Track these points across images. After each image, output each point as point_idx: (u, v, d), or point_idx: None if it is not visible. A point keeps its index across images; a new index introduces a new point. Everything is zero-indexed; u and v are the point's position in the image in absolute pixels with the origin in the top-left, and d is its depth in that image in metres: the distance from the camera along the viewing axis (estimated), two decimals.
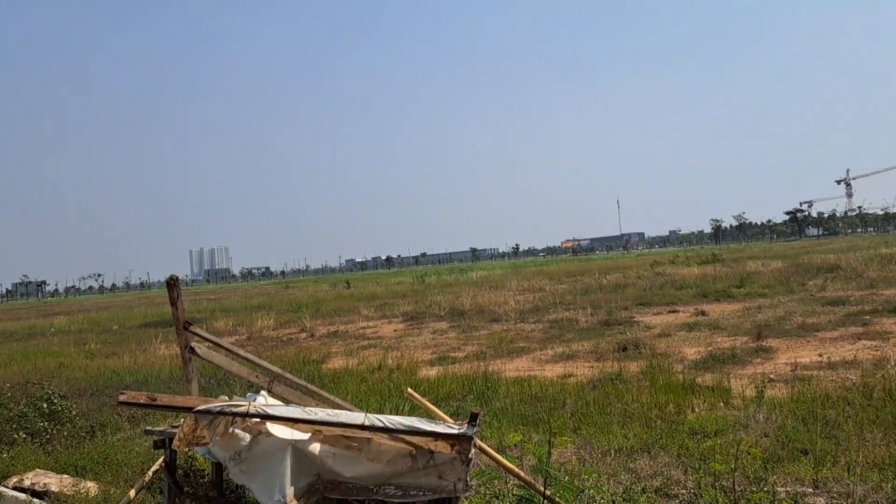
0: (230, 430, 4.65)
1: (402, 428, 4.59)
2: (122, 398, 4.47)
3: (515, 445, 8.03)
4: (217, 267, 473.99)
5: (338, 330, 26.52)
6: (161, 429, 5.42)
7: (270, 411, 4.54)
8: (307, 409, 4.57)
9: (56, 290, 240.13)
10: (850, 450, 7.38)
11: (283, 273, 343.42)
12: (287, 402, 5.11)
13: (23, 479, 8.09)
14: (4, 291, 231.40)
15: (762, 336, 15.75)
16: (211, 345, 5.54)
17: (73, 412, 10.74)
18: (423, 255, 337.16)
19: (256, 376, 5.45)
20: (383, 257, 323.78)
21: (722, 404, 9.86)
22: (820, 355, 13.20)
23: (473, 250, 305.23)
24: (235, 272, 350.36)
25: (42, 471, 8.39)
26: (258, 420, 4.61)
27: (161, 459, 5.56)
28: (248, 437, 4.66)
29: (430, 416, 5.16)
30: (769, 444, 7.77)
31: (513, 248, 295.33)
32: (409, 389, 5.16)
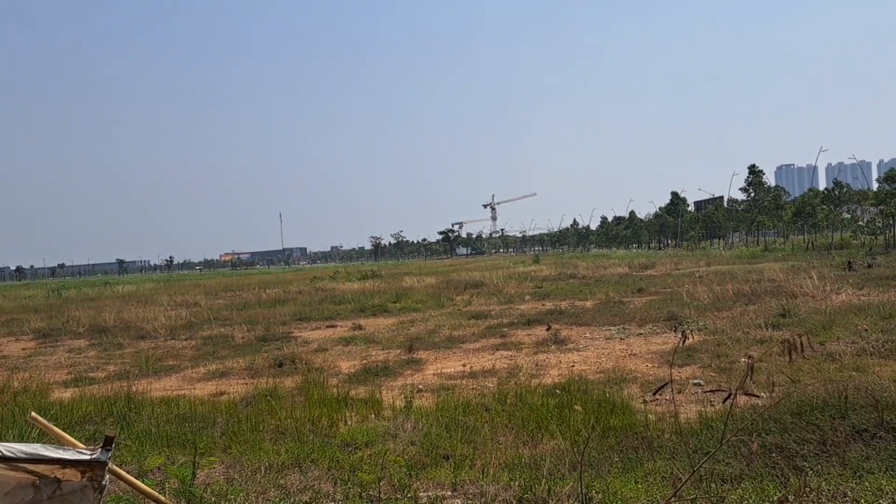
0: None
1: (22, 456, 3.89)
2: None
3: (158, 468, 7.39)
4: None
5: None
6: None
7: None
8: None
9: None
10: (485, 452, 7.88)
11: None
12: None
13: None
14: None
15: (413, 348, 16.53)
16: None
17: None
18: (62, 266, 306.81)
19: None
20: (12, 267, 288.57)
21: (373, 416, 10.07)
22: (464, 365, 14.16)
23: (121, 262, 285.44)
24: None
25: None
26: None
27: None
28: None
29: (60, 443, 4.47)
30: (415, 452, 8.04)
31: (166, 260, 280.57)
32: (34, 413, 4.40)
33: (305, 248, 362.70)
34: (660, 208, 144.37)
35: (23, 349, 22.45)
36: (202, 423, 10.16)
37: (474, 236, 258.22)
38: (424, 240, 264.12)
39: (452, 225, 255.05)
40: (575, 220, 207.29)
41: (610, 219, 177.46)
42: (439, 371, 13.73)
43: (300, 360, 15.82)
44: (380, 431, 9.05)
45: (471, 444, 8.31)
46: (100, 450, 4.20)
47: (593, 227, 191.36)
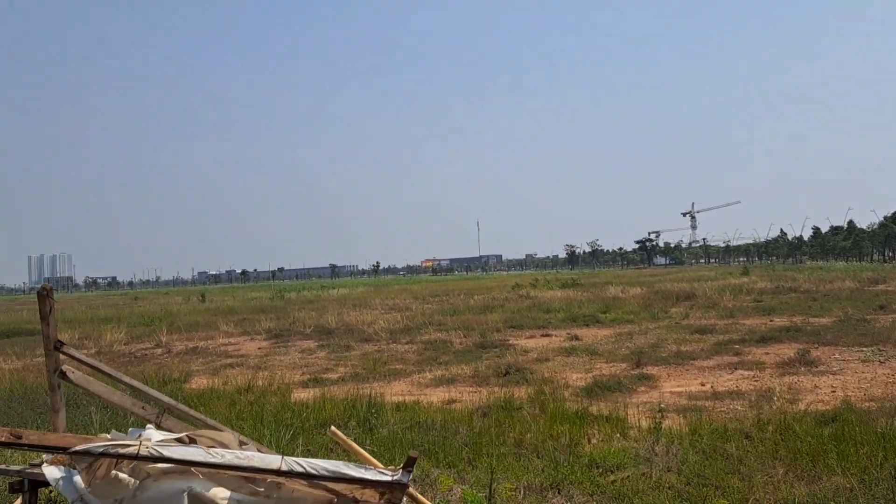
0: (112, 472, 3.77)
1: (325, 473, 3.87)
2: None
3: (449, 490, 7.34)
4: (59, 275, 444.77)
5: (197, 346, 24.95)
6: (18, 468, 4.39)
7: (166, 452, 3.69)
8: (211, 450, 3.75)
9: None
10: (756, 486, 7.20)
11: (130, 284, 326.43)
12: (189, 441, 4.24)
13: None
14: None
15: (641, 363, 15.85)
16: (89, 368, 4.58)
17: None
18: (281, 269, 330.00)
19: (143, 407, 4.52)
20: (238, 271, 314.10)
21: (619, 435, 9.59)
22: (702, 384, 13.34)
23: (333, 266, 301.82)
24: (79, 281, 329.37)
25: None
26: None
27: None
28: (133, 481, 3.79)
29: (355, 459, 4.44)
30: (675, 480, 7.50)
31: (373, 265, 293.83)
32: (333, 428, 4.43)
33: (501, 256, 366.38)
34: (885, 217, 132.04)
35: (258, 348, 24.01)
36: (442, 432, 10.15)
37: (672, 245, 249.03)
38: (620, 248, 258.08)
39: (649, 234, 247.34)
40: (783, 231, 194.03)
41: (825, 229, 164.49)
42: (676, 389, 13.00)
43: (525, 370, 15.64)
44: (629, 453, 8.57)
45: (737, 475, 7.64)
46: (401, 471, 4.10)
47: (805, 236, 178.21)
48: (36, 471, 4.26)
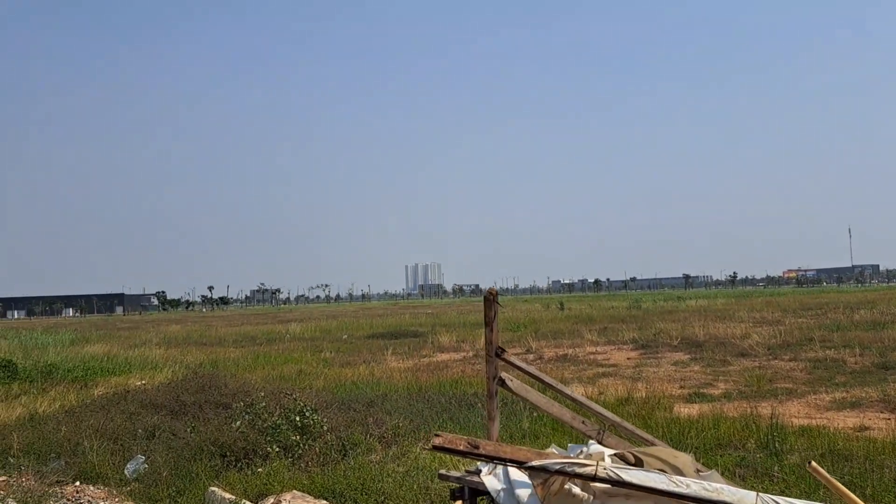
0: (566, 486, 3.62)
1: None
2: (436, 442, 3.56)
3: None
4: (430, 282, 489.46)
5: (566, 353, 25.34)
6: (458, 474, 4.49)
7: (624, 476, 3.43)
8: (674, 477, 3.41)
9: (288, 297, 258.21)
10: None
11: None
12: (636, 461, 3.99)
13: (280, 501, 7.62)
14: (244, 297, 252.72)
15: None
16: (525, 377, 4.56)
17: (324, 427, 10.34)
18: (633, 279, 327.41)
19: (583, 422, 4.37)
20: (591, 280, 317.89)
21: None
22: None
23: (686, 276, 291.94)
24: (447, 288, 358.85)
25: (299, 493, 7.89)
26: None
27: None
28: (588, 496, 3.61)
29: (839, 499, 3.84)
30: None
31: (729, 276, 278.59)
32: (813, 464, 3.87)
33: (878, 266, 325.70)
34: None
35: (627, 358, 23.69)
36: (865, 463, 8.89)
37: None
38: None
39: None
40: None
41: None
42: None
43: None
44: None
45: None
46: None
47: None
48: (474, 479, 4.29)
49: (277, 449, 9.56)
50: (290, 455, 9.51)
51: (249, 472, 8.79)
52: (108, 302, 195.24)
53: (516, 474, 4.13)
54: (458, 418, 12.13)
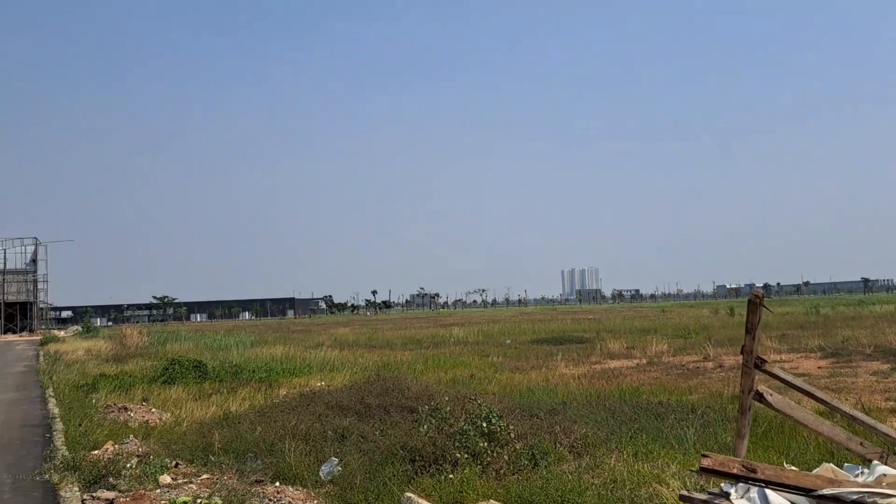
0: None
1: None
2: (705, 463, 3.14)
3: None
4: (587, 287, 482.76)
5: None
6: (702, 497, 4.03)
7: None
8: None
9: (446, 302, 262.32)
10: None
11: (653, 296, 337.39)
12: None
13: None
14: (404, 301, 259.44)
15: None
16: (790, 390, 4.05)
17: (511, 434, 10.07)
18: (806, 283, 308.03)
19: (861, 444, 3.80)
20: (759, 284, 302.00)
21: None
22: None
23: (865, 280, 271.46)
24: (606, 293, 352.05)
25: (496, 503, 7.65)
26: None
27: None
28: None
29: None
30: None
31: None
32: None
33: None
34: None
35: (818, 367, 22.02)
36: None
37: None
38: None
39: None
40: None
41: None
42: None
43: None
44: None
45: None
46: None
47: None
48: (718, 499, 3.82)
49: (466, 456, 9.37)
50: (478, 462, 9.30)
51: (442, 479, 8.64)
52: (280, 306, 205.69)
53: (777, 499, 3.64)
54: (648, 429, 11.52)
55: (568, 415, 12.70)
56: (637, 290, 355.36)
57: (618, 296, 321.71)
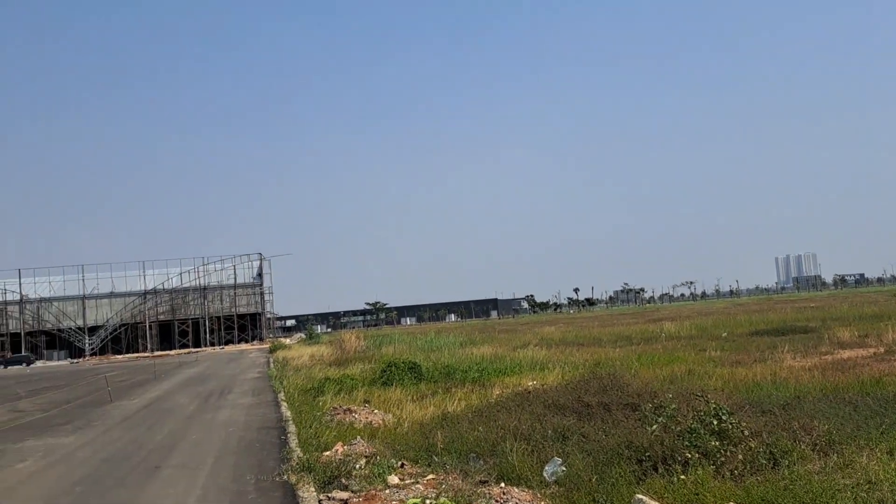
0: None
1: None
2: None
3: None
4: (804, 274, 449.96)
5: None
6: None
7: None
8: None
9: (652, 296, 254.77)
10: None
11: (880, 279, 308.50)
12: None
13: None
14: (608, 298, 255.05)
15: None
16: None
17: (745, 431, 9.41)
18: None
19: None
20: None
21: None
22: None
23: None
24: (826, 279, 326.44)
25: None
26: None
27: None
28: None
29: None
30: None
31: None
32: None
33: None
34: None
35: None
36: None
37: None
38: None
39: None
40: None
41: None
42: None
43: None
44: None
45: None
46: None
47: None
48: None
49: (697, 455, 8.86)
50: (711, 462, 8.75)
51: (674, 480, 8.21)
52: (483, 307, 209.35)
53: None
54: None
55: (805, 410, 11.74)
56: (862, 275, 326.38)
57: (840, 281, 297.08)
